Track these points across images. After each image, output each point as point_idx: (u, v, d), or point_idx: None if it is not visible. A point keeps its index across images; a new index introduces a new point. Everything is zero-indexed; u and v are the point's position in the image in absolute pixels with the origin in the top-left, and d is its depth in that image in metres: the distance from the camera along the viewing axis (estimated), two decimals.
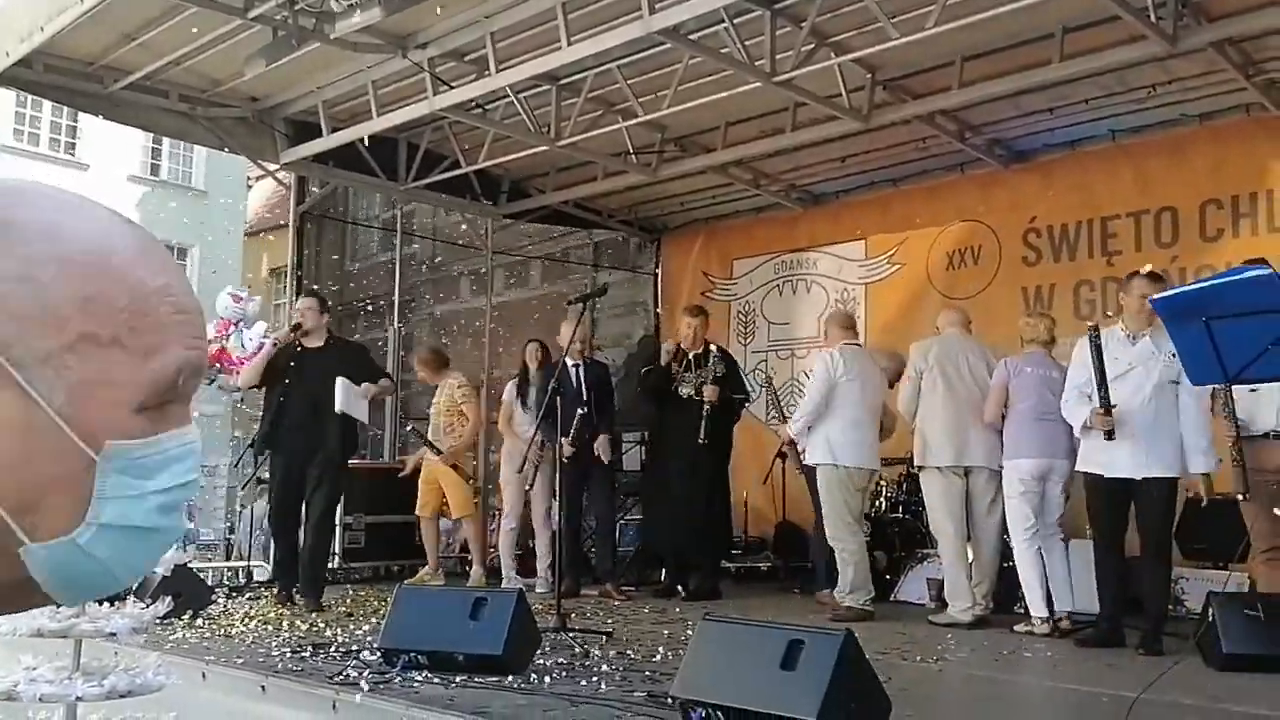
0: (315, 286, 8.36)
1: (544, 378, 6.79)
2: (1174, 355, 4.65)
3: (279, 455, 6.35)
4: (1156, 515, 4.80)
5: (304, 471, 6.18)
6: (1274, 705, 3.58)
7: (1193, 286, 2.89)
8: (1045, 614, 5.30)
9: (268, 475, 6.60)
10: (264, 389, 6.36)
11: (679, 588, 7.06)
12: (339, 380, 6.03)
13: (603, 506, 7.23)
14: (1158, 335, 4.73)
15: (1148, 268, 5.32)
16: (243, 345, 7.60)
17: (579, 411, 6.63)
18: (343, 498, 7.67)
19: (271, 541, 6.67)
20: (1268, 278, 2.86)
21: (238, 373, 6.82)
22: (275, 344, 6.32)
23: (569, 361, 6.85)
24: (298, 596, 6.16)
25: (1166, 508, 4.84)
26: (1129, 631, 4.81)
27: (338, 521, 7.76)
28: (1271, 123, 6.81)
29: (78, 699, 2.91)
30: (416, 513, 7.48)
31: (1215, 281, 2.86)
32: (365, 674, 3.88)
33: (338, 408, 6.02)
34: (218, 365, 7.37)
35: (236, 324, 7.81)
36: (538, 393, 6.30)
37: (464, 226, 11.02)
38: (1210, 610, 4.36)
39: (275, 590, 6.32)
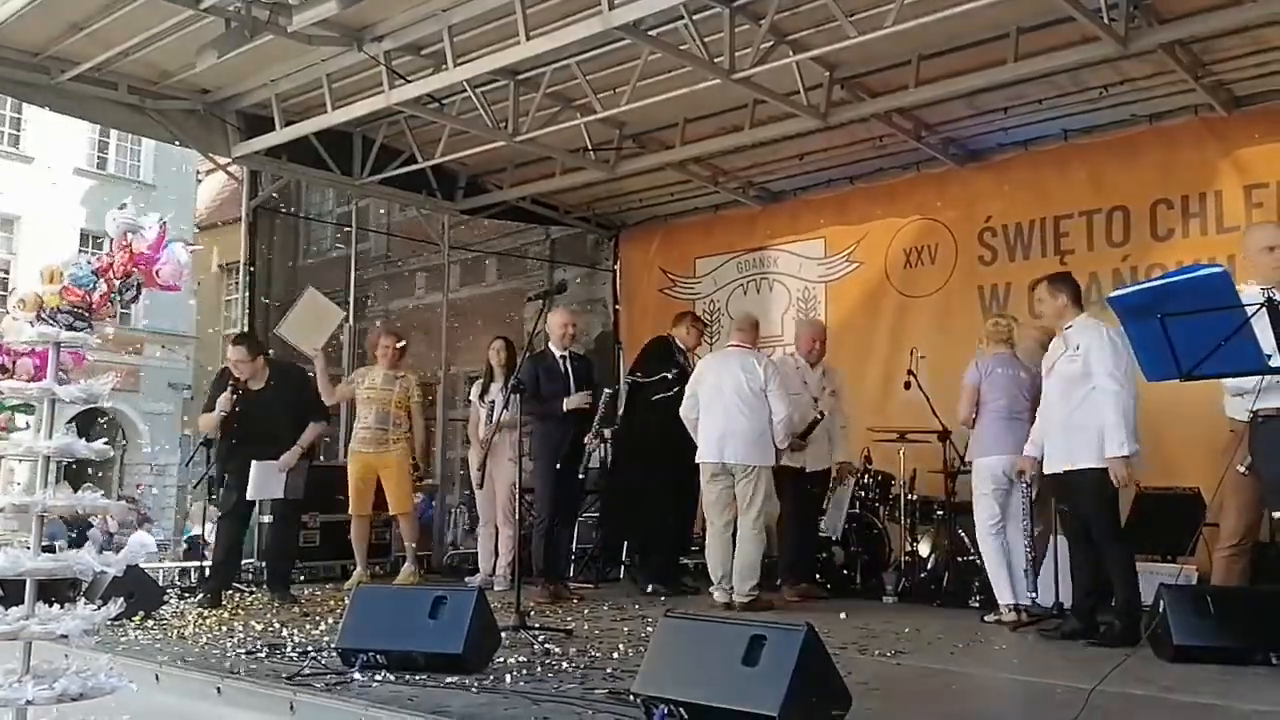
0: (244, 330, 8.24)
1: (532, 365, 6.62)
2: (1077, 349, 4.92)
3: (229, 477, 6.42)
4: (1093, 503, 4.90)
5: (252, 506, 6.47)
6: (1222, 694, 3.65)
7: (1148, 284, 2.95)
8: (1012, 602, 5.51)
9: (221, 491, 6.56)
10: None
11: (641, 581, 7.11)
12: (253, 466, 6.25)
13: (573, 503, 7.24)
14: (1069, 333, 5.02)
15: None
16: (144, 238, 6.86)
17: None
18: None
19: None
20: (1220, 276, 2.92)
21: (158, 272, 6.35)
22: (223, 412, 6.28)
23: (556, 351, 6.83)
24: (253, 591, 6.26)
25: (1099, 493, 4.87)
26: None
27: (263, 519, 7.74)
28: (1219, 124, 6.96)
29: (28, 702, 2.84)
30: (351, 511, 7.31)
31: (1170, 280, 2.92)
32: (323, 674, 3.83)
33: (249, 495, 6.31)
34: (133, 274, 6.62)
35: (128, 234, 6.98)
36: (519, 383, 5.94)
37: (420, 222, 10.93)
38: (1161, 603, 4.44)
39: (204, 594, 6.23)
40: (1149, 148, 7.28)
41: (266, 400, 6.36)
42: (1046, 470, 5.14)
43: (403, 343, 7.61)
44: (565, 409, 6.66)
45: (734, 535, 6.10)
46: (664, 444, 6.67)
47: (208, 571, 6.64)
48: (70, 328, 3.45)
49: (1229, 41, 6.27)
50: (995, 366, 5.75)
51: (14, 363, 5.99)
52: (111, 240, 5.72)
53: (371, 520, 7.52)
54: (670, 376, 6.90)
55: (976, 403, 5.75)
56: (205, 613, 5.69)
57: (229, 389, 6.31)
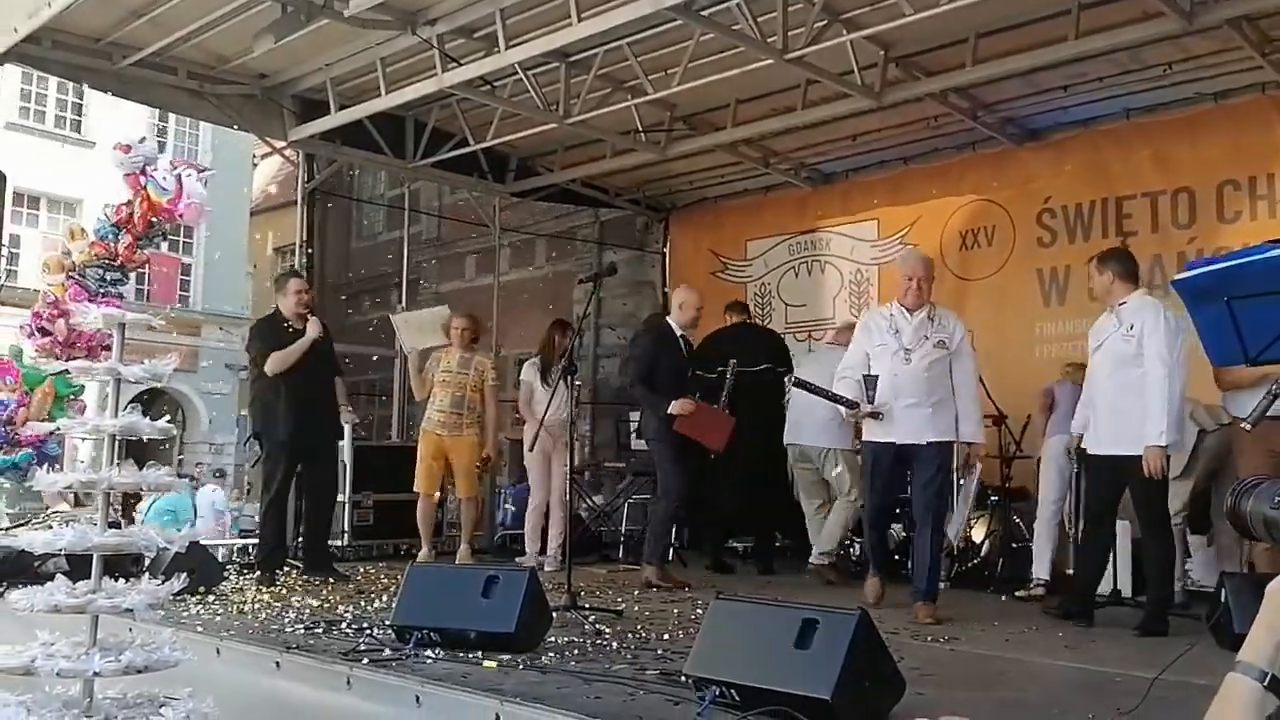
0: (294, 266, 8.23)
1: (652, 341, 6.52)
2: (1131, 328, 4.80)
3: (275, 445, 6.37)
4: (1142, 491, 4.79)
5: (297, 459, 6.41)
6: None
7: (1214, 266, 2.87)
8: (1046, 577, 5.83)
9: (263, 457, 6.51)
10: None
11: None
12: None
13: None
14: (1123, 310, 4.92)
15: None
16: (161, 187, 6.66)
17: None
18: (350, 477, 7.75)
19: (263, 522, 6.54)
20: None
21: (181, 216, 6.26)
22: (318, 335, 6.31)
23: (677, 331, 6.50)
24: (300, 574, 6.29)
25: (1147, 482, 4.75)
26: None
27: (347, 499, 7.81)
28: None
29: (95, 674, 2.92)
30: (417, 489, 7.26)
31: (1237, 261, 2.83)
32: (379, 650, 3.89)
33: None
34: (155, 222, 6.46)
35: (144, 171, 6.73)
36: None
37: (471, 205, 10.99)
38: (1223, 591, 4.35)
39: (261, 573, 6.25)
40: (1215, 127, 7.09)
41: (311, 349, 6.35)
42: (1092, 450, 5.02)
43: (472, 324, 7.47)
44: (669, 411, 6.18)
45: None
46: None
47: (259, 551, 6.62)
48: (104, 279, 3.52)
49: None
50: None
51: (52, 323, 6.03)
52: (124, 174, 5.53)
53: (434, 501, 7.51)
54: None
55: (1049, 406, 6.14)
56: (263, 589, 5.79)
57: (308, 315, 6.34)
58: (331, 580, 6.24)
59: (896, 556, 6.97)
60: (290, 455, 6.39)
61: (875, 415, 5.12)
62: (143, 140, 6.54)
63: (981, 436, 5.33)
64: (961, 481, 6.33)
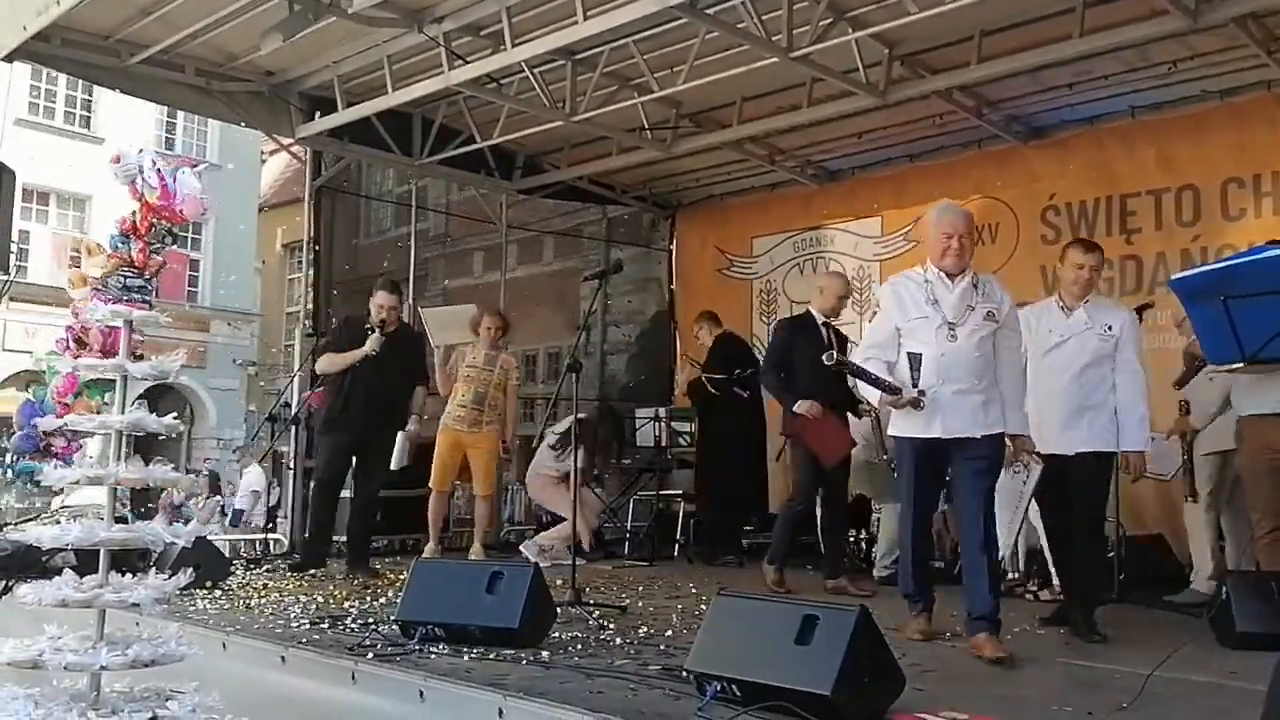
0: (392, 276, 7.83)
1: (789, 329, 6.13)
2: (1108, 328, 4.57)
3: (334, 435, 6.46)
4: (1089, 492, 4.62)
5: (353, 452, 6.43)
6: None
7: (1211, 266, 2.88)
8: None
9: (315, 453, 6.61)
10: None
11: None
12: (399, 436, 6.62)
13: (841, 490, 6.18)
14: (1094, 308, 4.66)
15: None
16: (150, 186, 6.50)
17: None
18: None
19: (306, 515, 6.63)
20: None
21: (181, 213, 6.20)
22: (372, 352, 6.29)
23: (819, 318, 6.12)
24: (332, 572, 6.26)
25: (1101, 483, 4.68)
26: None
27: (354, 495, 7.84)
28: None
29: (102, 668, 2.95)
30: (432, 485, 7.24)
31: (1233, 261, 2.85)
32: (383, 645, 3.92)
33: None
34: (156, 223, 6.32)
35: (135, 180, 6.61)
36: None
37: (478, 202, 11.00)
38: (1224, 589, 4.36)
39: (296, 560, 6.35)
40: (1220, 125, 7.08)
41: (394, 348, 6.37)
42: (1049, 450, 4.56)
43: (502, 322, 7.45)
44: (797, 410, 5.81)
45: None
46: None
47: (296, 543, 6.66)
48: (126, 286, 3.58)
49: None
50: None
51: (86, 334, 6.16)
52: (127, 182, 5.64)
53: (448, 497, 7.55)
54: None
55: None
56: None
57: (379, 330, 6.30)
58: (359, 577, 6.18)
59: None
60: (333, 449, 6.46)
61: (917, 403, 4.18)
62: (140, 150, 6.60)
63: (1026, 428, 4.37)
64: (1025, 481, 5.06)
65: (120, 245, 5.69)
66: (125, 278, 4.82)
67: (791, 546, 6.13)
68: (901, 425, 4.32)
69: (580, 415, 6.00)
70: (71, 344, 6.15)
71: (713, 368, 7.70)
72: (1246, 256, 2.84)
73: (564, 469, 7.07)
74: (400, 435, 6.65)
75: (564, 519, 7.27)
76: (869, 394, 4.50)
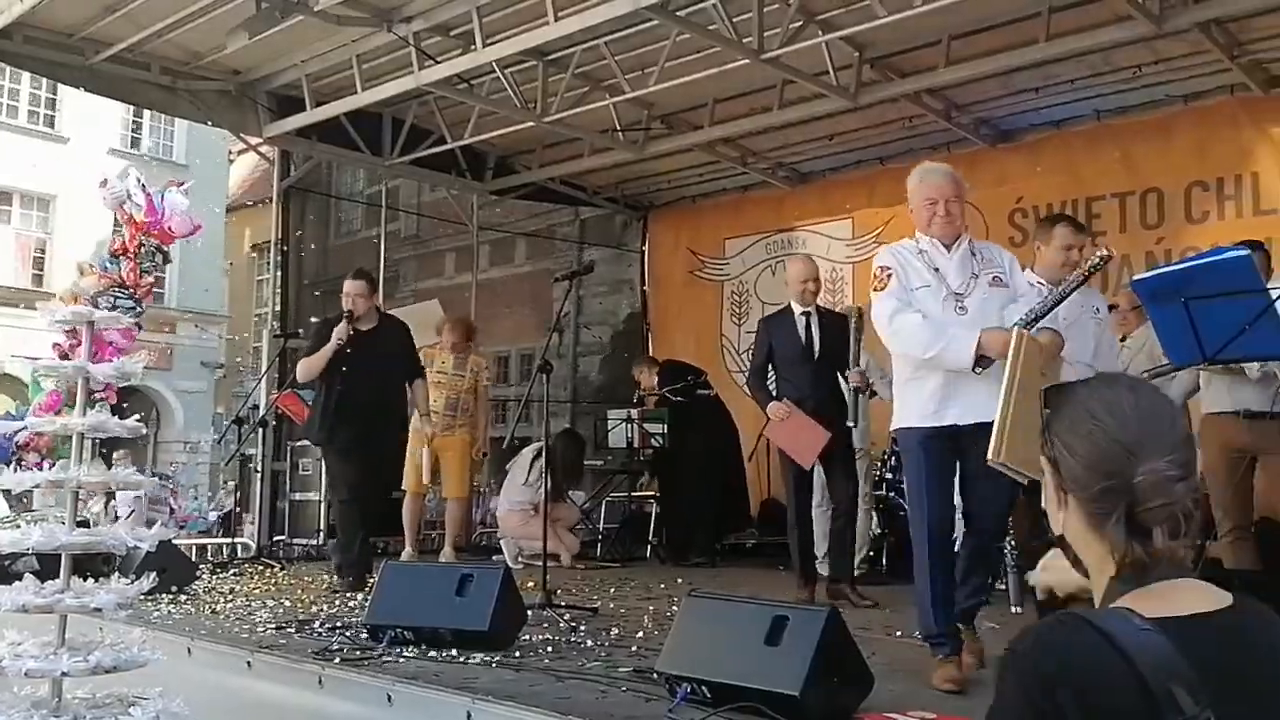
0: (362, 266, 7.14)
1: (764, 326, 5.83)
2: (1098, 310, 4.44)
3: (336, 449, 5.97)
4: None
5: (358, 456, 5.89)
6: None
7: (1171, 268, 2.92)
8: None
9: (325, 468, 6.36)
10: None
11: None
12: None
13: (847, 488, 5.69)
14: (1083, 293, 4.25)
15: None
16: (136, 204, 6.23)
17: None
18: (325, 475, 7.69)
19: (337, 528, 6.22)
20: (1243, 259, 2.89)
21: (171, 231, 6.02)
22: (339, 341, 5.80)
23: (797, 309, 5.69)
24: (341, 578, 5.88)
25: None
26: None
27: (322, 498, 7.79)
28: (1256, 104, 6.84)
29: (63, 674, 2.90)
30: (405, 488, 7.12)
31: (1193, 263, 2.89)
32: (350, 649, 3.89)
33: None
34: (144, 241, 6.06)
35: (124, 203, 6.29)
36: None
37: (449, 202, 10.96)
38: None
39: (350, 581, 5.80)
40: (1183, 128, 7.18)
41: (377, 342, 5.95)
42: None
43: (462, 328, 7.41)
44: (768, 414, 5.60)
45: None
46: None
47: (340, 559, 6.12)
48: (114, 305, 3.54)
49: (1266, 20, 6.16)
50: None
51: (74, 352, 6.18)
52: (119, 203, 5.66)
53: (421, 500, 7.44)
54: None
55: None
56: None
57: (344, 318, 5.83)
58: (349, 586, 5.75)
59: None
60: (340, 465, 5.98)
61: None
62: (124, 174, 6.63)
63: None
64: None
65: (110, 266, 5.72)
66: (115, 297, 4.83)
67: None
68: (905, 415, 3.74)
69: (538, 444, 6.01)
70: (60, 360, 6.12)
71: (668, 385, 7.89)
72: (1207, 258, 2.88)
73: (538, 499, 6.96)
74: (424, 451, 6.66)
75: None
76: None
